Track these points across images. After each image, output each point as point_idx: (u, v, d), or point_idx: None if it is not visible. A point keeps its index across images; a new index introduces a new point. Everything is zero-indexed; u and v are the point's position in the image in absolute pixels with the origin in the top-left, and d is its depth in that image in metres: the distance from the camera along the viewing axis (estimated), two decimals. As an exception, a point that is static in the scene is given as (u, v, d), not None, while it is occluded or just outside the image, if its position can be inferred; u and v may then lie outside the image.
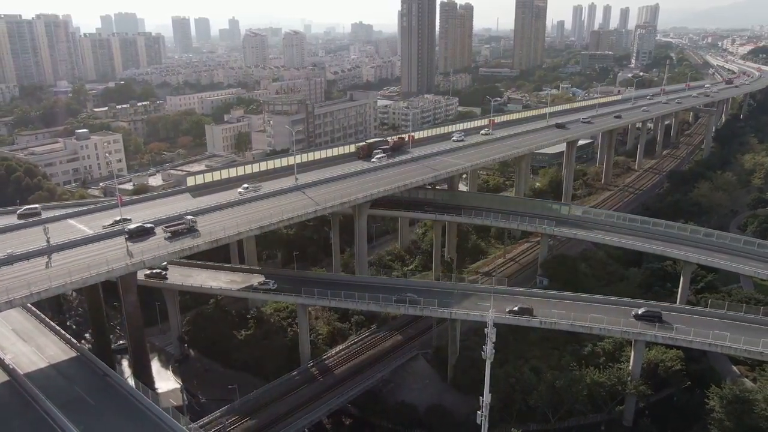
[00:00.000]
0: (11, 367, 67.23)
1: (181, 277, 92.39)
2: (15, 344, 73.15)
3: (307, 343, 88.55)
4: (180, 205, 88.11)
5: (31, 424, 58.29)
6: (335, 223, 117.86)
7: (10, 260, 68.39)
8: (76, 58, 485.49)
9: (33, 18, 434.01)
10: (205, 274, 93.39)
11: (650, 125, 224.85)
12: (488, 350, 55.98)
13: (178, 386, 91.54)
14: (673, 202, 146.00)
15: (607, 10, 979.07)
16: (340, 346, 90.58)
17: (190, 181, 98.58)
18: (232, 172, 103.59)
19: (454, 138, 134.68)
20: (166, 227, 76.41)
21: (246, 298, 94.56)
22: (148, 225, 76.25)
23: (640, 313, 77.72)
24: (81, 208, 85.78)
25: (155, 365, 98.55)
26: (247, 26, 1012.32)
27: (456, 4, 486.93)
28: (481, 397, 56.29)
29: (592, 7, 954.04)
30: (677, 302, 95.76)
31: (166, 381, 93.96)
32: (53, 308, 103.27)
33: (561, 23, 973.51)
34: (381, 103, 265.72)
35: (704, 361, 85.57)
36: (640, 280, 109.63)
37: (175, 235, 75.22)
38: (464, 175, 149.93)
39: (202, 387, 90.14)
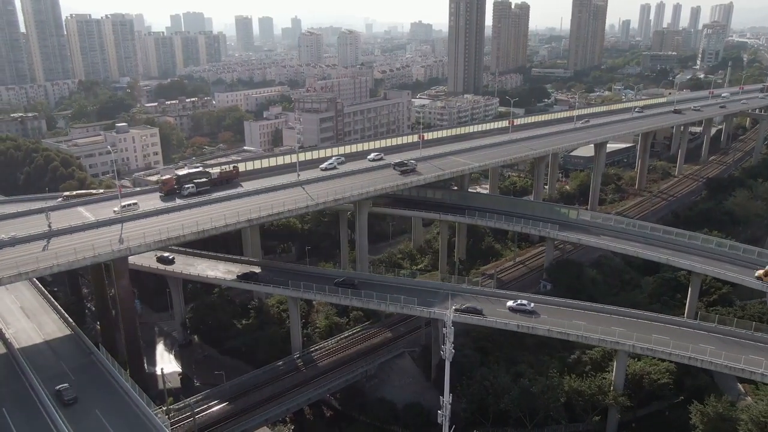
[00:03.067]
0: (10, 341, 72.75)
1: (184, 265, 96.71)
2: (19, 320, 78.86)
3: (298, 335, 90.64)
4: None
5: (15, 394, 62.93)
6: (343, 220, 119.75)
7: (13, 242, 73.81)
8: (141, 56, 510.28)
9: (102, 18, 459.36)
10: (206, 264, 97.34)
11: (697, 129, 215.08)
12: (447, 349, 56.05)
13: (178, 370, 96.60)
14: (704, 210, 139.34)
15: (676, 9, 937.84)
16: (330, 340, 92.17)
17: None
18: (241, 167, 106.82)
19: (323, 166, 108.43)
20: (396, 167, 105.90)
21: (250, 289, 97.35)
22: (405, 161, 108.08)
23: (338, 281, 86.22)
24: (87, 198, 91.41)
25: (160, 348, 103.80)
26: (310, 25, 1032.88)
27: (510, 3, 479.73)
28: (442, 397, 56.43)
29: (660, 6, 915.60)
30: (685, 313, 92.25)
31: (167, 364, 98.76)
32: (73, 290, 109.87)
33: (627, 23, 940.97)
34: (418, 102, 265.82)
35: (702, 377, 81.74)
36: (650, 289, 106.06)
37: (404, 173, 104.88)
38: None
39: (200, 371, 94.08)
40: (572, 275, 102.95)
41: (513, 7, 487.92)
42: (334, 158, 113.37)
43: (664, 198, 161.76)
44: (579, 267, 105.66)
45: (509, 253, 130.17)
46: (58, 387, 62.22)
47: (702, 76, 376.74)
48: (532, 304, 79.63)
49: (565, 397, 74.07)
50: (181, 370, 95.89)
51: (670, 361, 74.13)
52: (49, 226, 77.19)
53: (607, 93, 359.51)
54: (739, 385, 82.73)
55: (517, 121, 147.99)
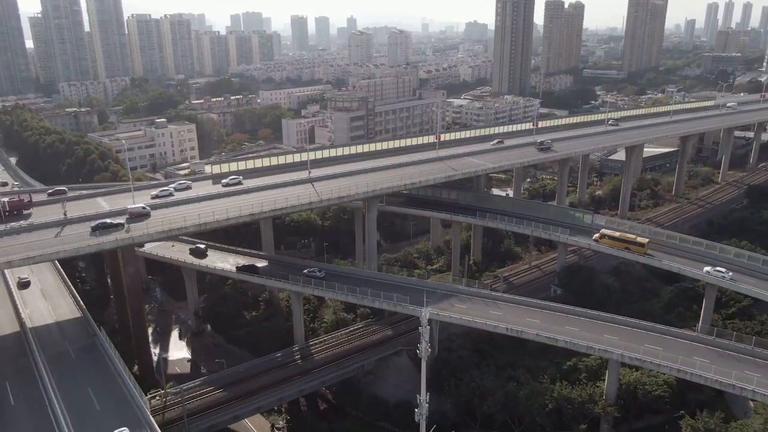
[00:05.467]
0: (24, 319, 77.93)
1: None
2: (37, 301, 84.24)
3: (300, 328, 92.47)
4: (191, 191, 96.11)
5: (20, 369, 67.57)
6: (359, 218, 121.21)
7: (30, 229, 78.98)
8: (197, 54, 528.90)
9: (161, 17, 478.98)
10: (217, 256, 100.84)
11: (750, 134, 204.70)
12: (423, 348, 56.41)
13: (188, 356, 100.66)
14: (739, 219, 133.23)
15: (746, 8, 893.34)
16: (331, 335, 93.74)
17: (215, 170, 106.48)
18: (257, 163, 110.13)
19: (154, 193, 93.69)
20: (538, 145, 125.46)
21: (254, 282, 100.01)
22: (548, 142, 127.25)
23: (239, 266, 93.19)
24: (103, 189, 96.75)
25: (174, 335, 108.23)
26: (366, 25, 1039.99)
27: (563, 2, 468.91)
28: (418, 395, 56.75)
29: (729, 5, 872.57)
30: (699, 325, 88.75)
31: (179, 350, 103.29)
32: (99, 275, 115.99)
33: (692, 22, 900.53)
34: (457, 102, 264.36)
35: (706, 391, 78.50)
36: (667, 299, 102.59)
37: (542, 150, 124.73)
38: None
39: (207, 359, 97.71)
40: (583, 281, 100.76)
41: (566, 6, 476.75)
42: (175, 184, 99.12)
43: (701, 205, 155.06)
44: (591, 273, 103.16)
45: (529, 256, 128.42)
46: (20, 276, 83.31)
47: (764, 78, 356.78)
48: (323, 272, 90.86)
49: (554, 403, 72.85)
50: (190, 357, 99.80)
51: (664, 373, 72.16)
52: (65, 215, 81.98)
53: (660, 95, 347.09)
54: (751, 403, 79.09)
55: (542, 123, 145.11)
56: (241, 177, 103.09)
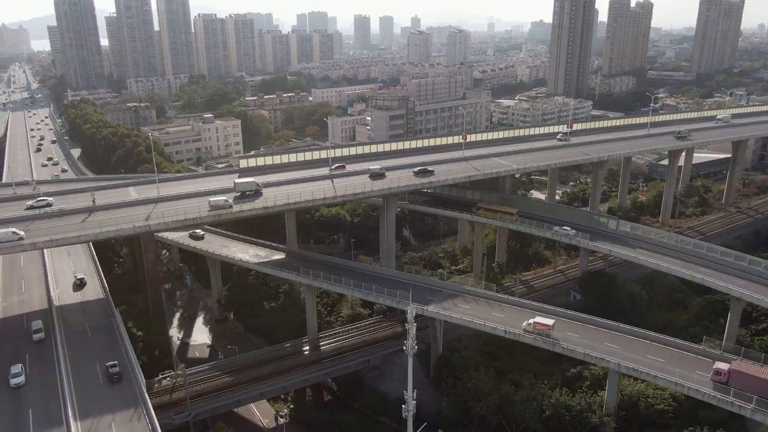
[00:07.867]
0: (53, 298, 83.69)
1: (220, 246, 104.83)
2: (68, 282, 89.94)
3: (313, 320, 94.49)
4: (215, 184, 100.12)
5: (39, 346, 72.56)
6: (382, 215, 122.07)
7: (60, 214, 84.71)
8: (259, 53, 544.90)
9: (225, 17, 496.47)
10: (238, 246, 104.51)
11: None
12: (409, 346, 57.39)
13: (208, 342, 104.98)
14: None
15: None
16: (342, 328, 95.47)
17: (243, 164, 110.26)
18: (284, 158, 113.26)
19: None
20: (675, 134, 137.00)
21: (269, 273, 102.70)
22: (685, 131, 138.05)
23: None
24: (134, 179, 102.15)
25: (200, 321, 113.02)
26: (431, 24, 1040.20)
27: (629, 1, 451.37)
28: (405, 392, 57.65)
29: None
30: (723, 340, 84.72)
31: (202, 336, 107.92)
32: (132, 260, 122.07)
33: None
34: (505, 103, 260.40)
35: (718, 409, 74.88)
36: (695, 311, 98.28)
37: (679, 138, 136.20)
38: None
39: (226, 345, 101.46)
40: (603, 288, 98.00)
41: (633, 5, 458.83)
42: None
43: (751, 215, 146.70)
44: (612, 279, 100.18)
45: (558, 260, 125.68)
46: None
47: None
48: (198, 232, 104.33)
49: (552, 410, 71.59)
50: (210, 342, 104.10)
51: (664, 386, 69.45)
52: (93, 202, 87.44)
53: (728, 98, 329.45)
54: (773, 425, 74.88)
55: (576, 126, 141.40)
56: (52, 199, 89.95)
